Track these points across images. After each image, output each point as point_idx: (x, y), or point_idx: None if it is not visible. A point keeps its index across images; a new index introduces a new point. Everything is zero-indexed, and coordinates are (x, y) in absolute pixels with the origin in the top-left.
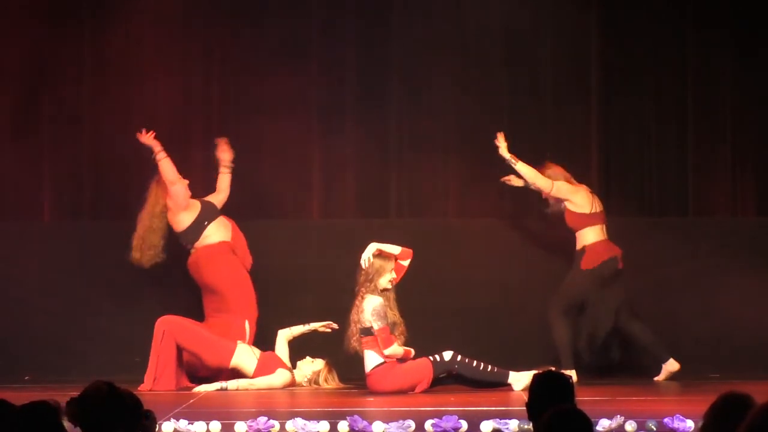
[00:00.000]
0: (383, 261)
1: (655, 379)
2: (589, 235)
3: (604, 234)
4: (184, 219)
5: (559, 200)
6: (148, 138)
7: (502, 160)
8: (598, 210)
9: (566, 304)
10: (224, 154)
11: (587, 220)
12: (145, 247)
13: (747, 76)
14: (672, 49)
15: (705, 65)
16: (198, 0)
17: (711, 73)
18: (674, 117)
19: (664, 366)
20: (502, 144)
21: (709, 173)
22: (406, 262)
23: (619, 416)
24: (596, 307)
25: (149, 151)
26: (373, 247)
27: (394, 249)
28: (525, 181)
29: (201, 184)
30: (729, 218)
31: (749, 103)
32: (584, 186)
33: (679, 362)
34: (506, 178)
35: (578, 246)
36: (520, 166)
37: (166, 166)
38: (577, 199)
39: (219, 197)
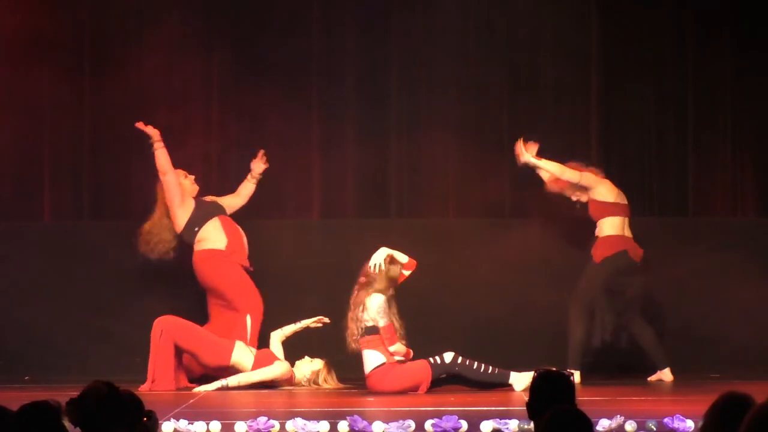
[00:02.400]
0: (394, 268)
1: (648, 379)
2: (607, 226)
3: (625, 229)
4: (180, 218)
5: (586, 189)
6: (147, 127)
7: (526, 166)
8: (621, 202)
9: (585, 299)
10: (259, 165)
11: (609, 209)
12: (154, 240)
13: (747, 76)
14: (672, 49)
15: (705, 65)
16: (198, 1)
17: (711, 72)
18: (674, 116)
19: (659, 372)
20: (531, 150)
21: (709, 173)
22: (407, 272)
23: (619, 416)
24: (607, 300)
25: (148, 139)
26: (384, 252)
27: (403, 258)
28: (553, 175)
29: (200, 184)
30: (729, 218)
31: (749, 103)
32: (608, 181)
33: (679, 362)
34: (522, 154)
35: (596, 234)
36: (544, 164)
37: (160, 155)
38: (602, 188)
39: (236, 200)
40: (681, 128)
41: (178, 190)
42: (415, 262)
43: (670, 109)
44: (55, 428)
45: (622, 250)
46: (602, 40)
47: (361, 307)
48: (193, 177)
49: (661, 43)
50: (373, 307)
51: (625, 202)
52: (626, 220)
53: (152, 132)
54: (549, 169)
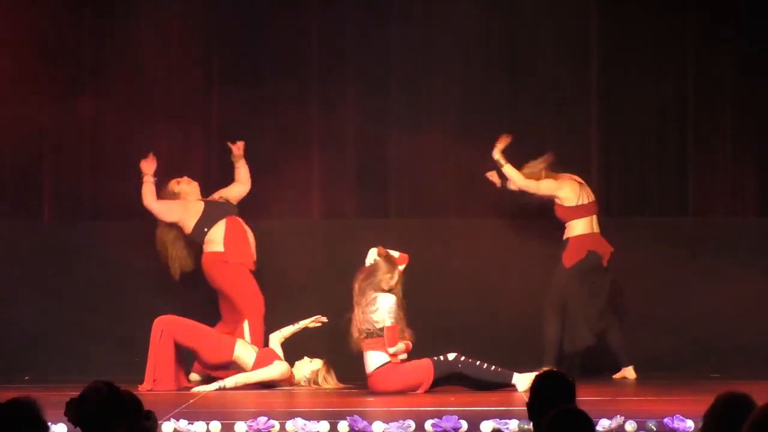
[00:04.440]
0: (389, 262)
1: (614, 376)
2: (577, 227)
3: (594, 227)
4: (188, 223)
5: (549, 197)
6: (146, 162)
7: (493, 160)
8: (586, 201)
9: (557, 302)
10: (237, 150)
11: (575, 212)
12: (172, 259)
13: (748, 76)
14: (672, 49)
15: (705, 65)
16: (198, 2)
17: (711, 72)
18: (674, 116)
19: (623, 369)
20: (499, 145)
21: (709, 173)
22: (401, 267)
23: (619, 416)
24: (581, 303)
25: (140, 173)
26: (374, 251)
27: (394, 253)
28: (512, 182)
29: (200, 181)
30: (729, 218)
31: (750, 103)
32: (571, 177)
33: (679, 362)
34: (490, 173)
35: (564, 236)
36: (507, 169)
37: (144, 190)
38: (563, 193)
39: (241, 188)
40: (681, 128)
41: (175, 208)
42: (406, 255)
43: (670, 109)
44: (35, 424)
45: (590, 251)
46: (602, 40)
47: (372, 307)
48: (197, 184)
49: (661, 43)
50: (385, 307)
51: (591, 199)
52: (594, 217)
53: (144, 168)
54: (509, 175)
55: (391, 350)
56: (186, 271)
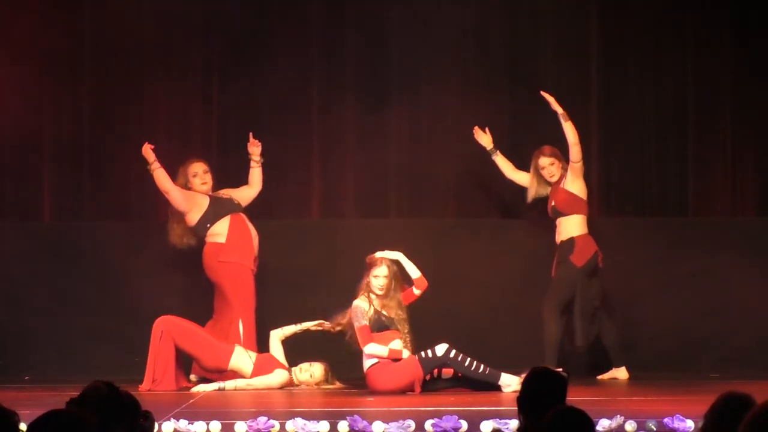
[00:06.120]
0: (395, 275)
1: (599, 377)
2: (578, 226)
3: (586, 227)
4: (192, 216)
5: (571, 177)
6: (145, 150)
7: (555, 112)
8: (586, 200)
9: (561, 302)
10: (252, 147)
11: (581, 207)
12: (189, 233)
13: (748, 76)
14: (672, 49)
15: (705, 64)
16: (199, 3)
17: (711, 72)
18: (674, 117)
19: (614, 369)
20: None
21: (709, 173)
22: (418, 292)
23: (619, 416)
24: (583, 299)
25: (145, 164)
26: (393, 254)
27: (414, 272)
28: (569, 137)
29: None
30: (729, 218)
31: (750, 103)
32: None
33: (679, 362)
34: (476, 131)
35: (563, 236)
36: (568, 127)
37: (158, 176)
38: (580, 183)
39: (252, 191)
40: (681, 128)
41: (185, 199)
42: (426, 282)
43: (670, 109)
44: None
45: (595, 251)
46: (602, 40)
47: (353, 308)
48: (213, 185)
49: (661, 42)
50: (357, 310)
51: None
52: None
53: (147, 155)
54: (567, 132)
55: (366, 351)
56: (190, 245)
